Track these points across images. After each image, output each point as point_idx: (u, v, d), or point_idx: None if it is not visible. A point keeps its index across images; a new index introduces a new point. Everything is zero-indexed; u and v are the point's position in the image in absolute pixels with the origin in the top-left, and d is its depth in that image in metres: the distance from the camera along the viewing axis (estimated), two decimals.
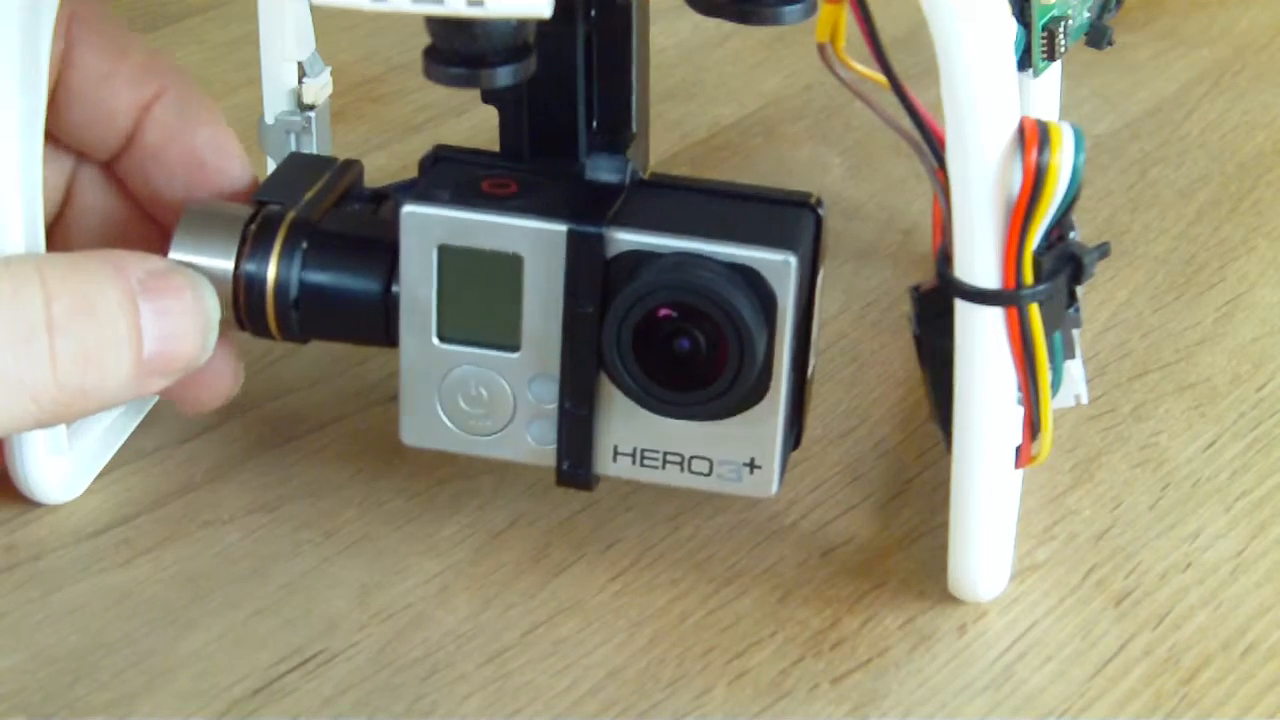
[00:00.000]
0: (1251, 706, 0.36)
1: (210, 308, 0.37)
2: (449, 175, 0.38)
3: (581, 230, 0.36)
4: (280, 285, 0.38)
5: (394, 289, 0.37)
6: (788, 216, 0.37)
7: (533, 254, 0.36)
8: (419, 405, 0.38)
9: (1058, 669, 0.37)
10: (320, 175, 0.40)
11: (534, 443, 0.38)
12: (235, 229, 0.38)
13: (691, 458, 0.38)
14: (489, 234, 0.36)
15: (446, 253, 0.36)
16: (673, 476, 0.38)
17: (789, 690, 0.36)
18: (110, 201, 0.41)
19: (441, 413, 0.38)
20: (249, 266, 0.38)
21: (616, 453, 0.38)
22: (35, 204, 0.37)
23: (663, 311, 0.36)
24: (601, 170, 0.37)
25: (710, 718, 0.36)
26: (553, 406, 0.37)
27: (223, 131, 0.41)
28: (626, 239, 0.36)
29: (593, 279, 0.36)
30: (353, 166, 0.41)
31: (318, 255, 0.38)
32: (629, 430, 0.37)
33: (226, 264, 0.38)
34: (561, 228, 0.36)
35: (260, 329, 0.38)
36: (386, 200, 0.40)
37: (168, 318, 0.36)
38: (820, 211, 0.37)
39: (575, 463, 0.38)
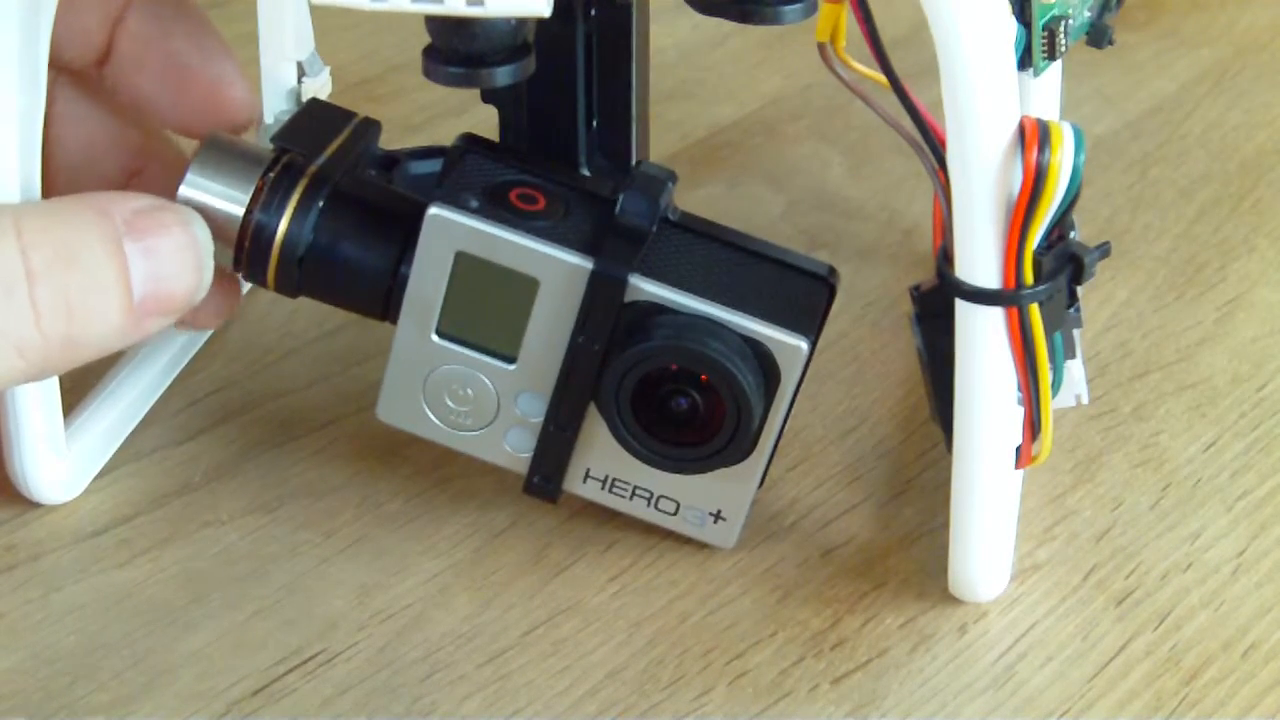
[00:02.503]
0: (1252, 707, 0.36)
1: (203, 242, 0.36)
2: (478, 175, 0.37)
3: (607, 273, 0.36)
4: (289, 240, 0.37)
5: (402, 270, 0.37)
6: (804, 291, 0.37)
7: (551, 282, 0.36)
8: (403, 388, 0.38)
9: (1058, 669, 0.37)
10: (341, 129, 0.39)
11: (510, 449, 0.38)
12: (253, 173, 0.37)
13: (660, 496, 0.38)
14: (511, 253, 0.36)
15: (464, 259, 0.36)
16: (637, 509, 0.38)
17: (789, 691, 0.36)
18: (91, 111, 0.41)
19: (423, 401, 0.38)
20: (261, 215, 0.37)
21: (588, 475, 0.38)
22: (32, 169, 0.36)
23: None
24: (633, 206, 0.37)
25: (710, 718, 0.36)
26: (536, 421, 0.37)
27: (202, 31, 0.39)
28: (648, 289, 0.36)
29: (606, 320, 0.36)
30: (372, 125, 0.40)
31: (332, 218, 0.37)
32: (605, 458, 0.38)
33: (237, 207, 0.37)
34: (587, 265, 0.36)
35: (256, 277, 0.38)
36: (397, 165, 0.39)
37: (157, 257, 0.35)
38: (834, 283, 0.38)
39: (546, 478, 0.38)
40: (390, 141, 0.40)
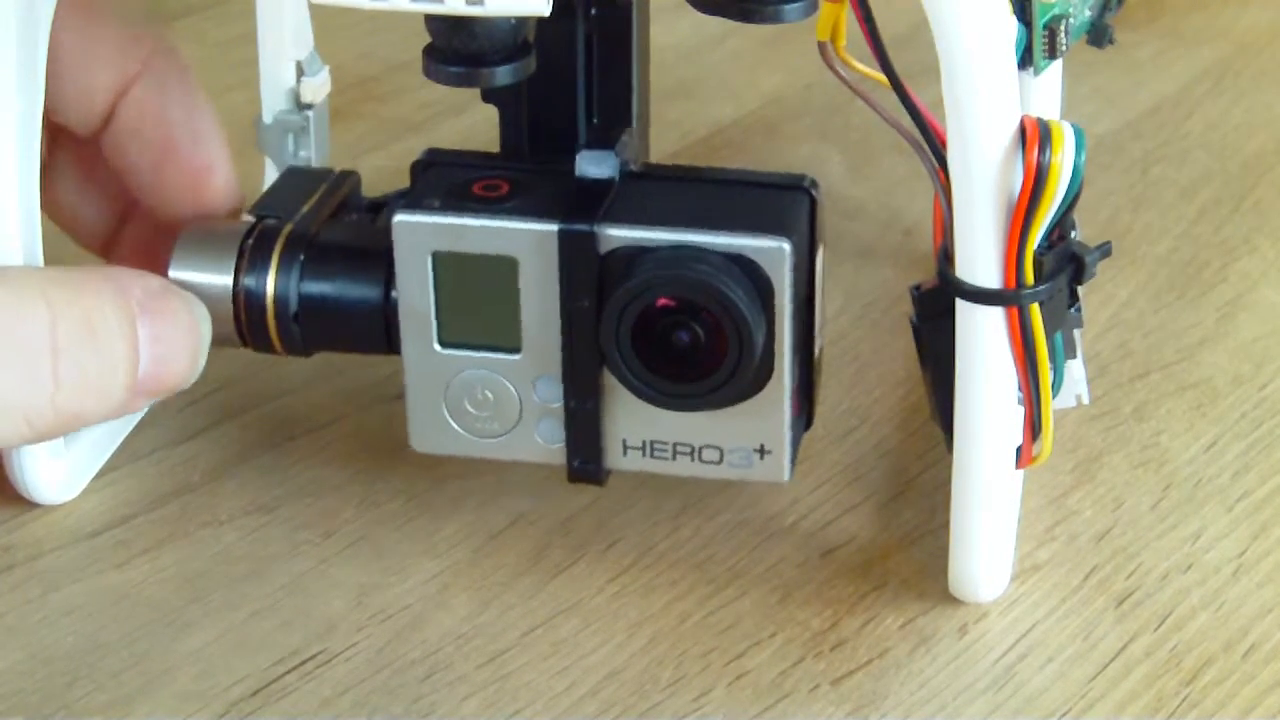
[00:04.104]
0: (1253, 708, 0.36)
1: (203, 330, 0.37)
2: (440, 180, 0.37)
3: (573, 229, 0.36)
4: (279, 299, 0.38)
5: (393, 297, 0.37)
6: (781, 201, 0.37)
7: (526, 255, 0.36)
8: (426, 412, 0.38)
9: (1059, 670, 0.37)
10: (317, 187, 0.40)
11: (543, 442, 0.38)
12: (232, 245, 0.38)
13: (701, 447, 0.38)
14: (481, 238, 0.36)
15: (440, 259, 0.36)
16: (684, 467, 0.38)
17: (789, 691, 0.36)
18: (84, 177, 0.41)
19: (449, 417, 0.38)
20: (248, 281, 0.38)
21: (626, 447, 0.38)
22: (32, 210, 0.36)
23: (661, 301, 0.36)
24: (591, 166, 0.37)
25: (710, 718, 0.36)
26: (559, 405, 0.37)
27: (199, 113, 0.40)
28: (618, 235, 0.36)
29: (587, 276, 0.36)
30: (349, 177, 0.41)
31: (315, 267, 0.38)
32: (637, 423, 0.37)
33: (225, 280, 0.38)
34: (553, 228, 0.36)
35: (263, 344, 0.39)
36: (384, 209, 0.40)
37: (163, 342, 0.36)
38: (814, 193, 0.37)
39: (585, 459, 0.38)
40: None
